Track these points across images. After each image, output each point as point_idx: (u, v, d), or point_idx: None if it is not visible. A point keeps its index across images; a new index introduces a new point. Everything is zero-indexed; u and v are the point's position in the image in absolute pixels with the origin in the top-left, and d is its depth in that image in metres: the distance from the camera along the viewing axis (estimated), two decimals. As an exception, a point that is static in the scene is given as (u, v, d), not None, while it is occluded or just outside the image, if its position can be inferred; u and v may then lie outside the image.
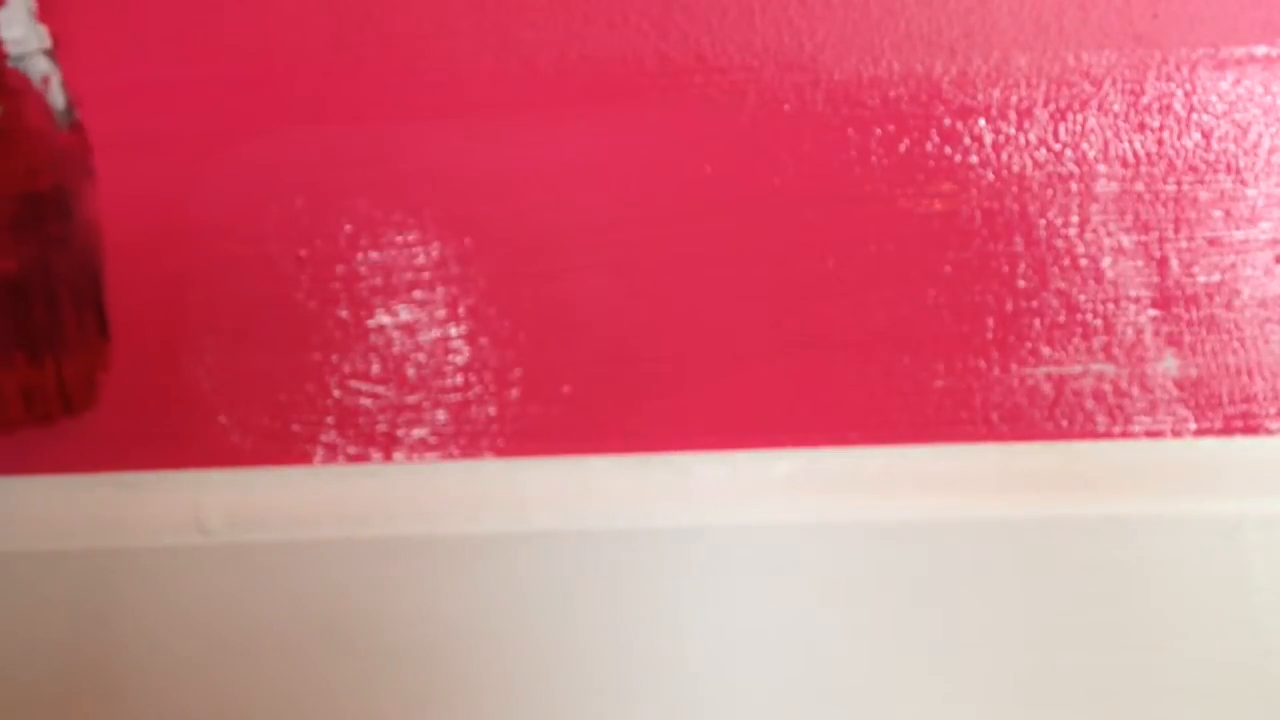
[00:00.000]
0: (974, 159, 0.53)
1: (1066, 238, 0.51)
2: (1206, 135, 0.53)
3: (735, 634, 0.44)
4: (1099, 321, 0.50)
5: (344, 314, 0.50)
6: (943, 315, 0.50)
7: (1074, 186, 0.52)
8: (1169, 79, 0.54)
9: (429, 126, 0.53)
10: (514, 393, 0.49)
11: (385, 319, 0.50)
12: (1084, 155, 0.52)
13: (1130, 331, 0.49)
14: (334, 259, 0.51)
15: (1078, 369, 0.49)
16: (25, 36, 0.43)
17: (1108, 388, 0.49)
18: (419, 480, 0.47)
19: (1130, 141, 0.53)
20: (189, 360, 0.50)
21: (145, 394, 0.50)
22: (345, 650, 0.44)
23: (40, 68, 0.43)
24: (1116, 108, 0.53)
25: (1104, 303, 0.50)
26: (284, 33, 0.52)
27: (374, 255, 0.51)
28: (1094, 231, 0.51)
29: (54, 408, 0.49)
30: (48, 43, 0.43)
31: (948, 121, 0.53)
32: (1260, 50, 0.54)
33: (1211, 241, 0.51)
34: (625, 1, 0.55)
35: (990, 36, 0.55)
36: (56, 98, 0.43)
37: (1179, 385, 0.49)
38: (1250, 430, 0.48)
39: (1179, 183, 0.52)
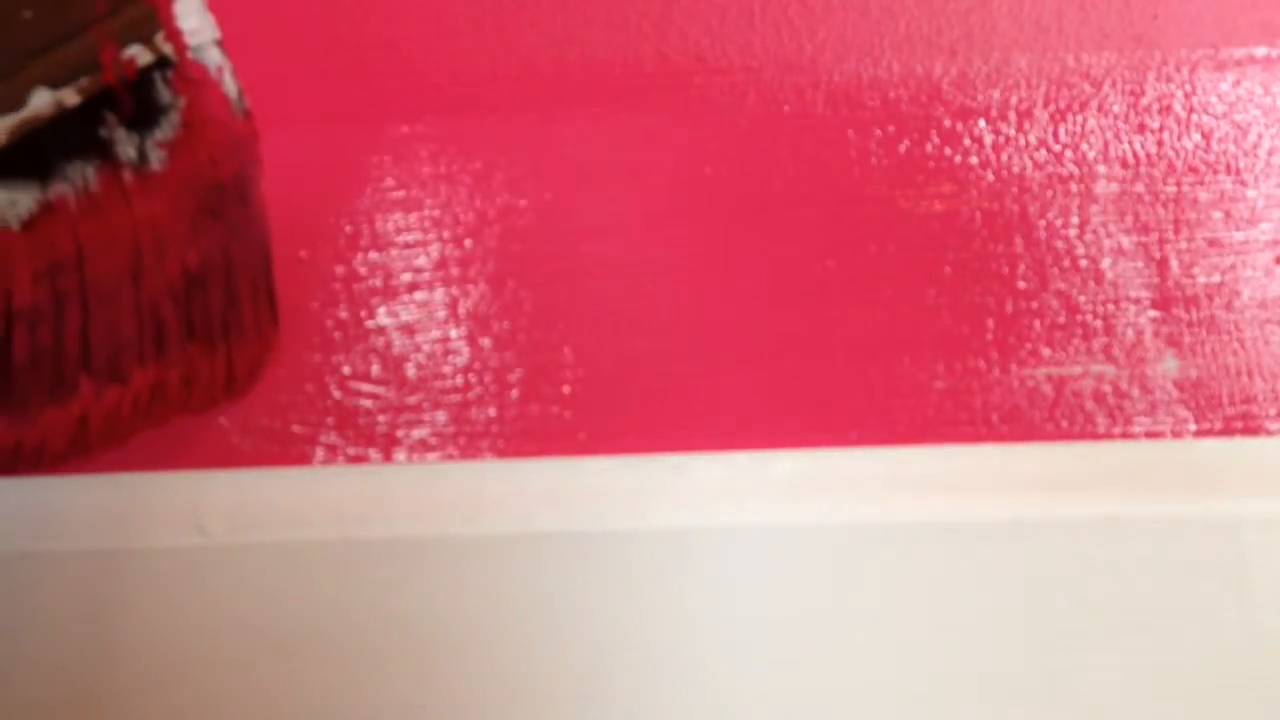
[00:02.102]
0: (974, 160, 0.53)
1: (1066, 239, 0.51)
2: (1206, 136, 0.53)
3: (735, 634, 0.44)
4: (1099, 322, 0.50)
5: (344, 314, 0.50)
6: (943, 316, 0.50)
7: (1074, 187, 0.52)
8: (1169, 80, 0.54)
9: (429, 127, 0.53)
10: (514, 393, 0.49)
11: (385, 319, 0.50)
12: (1084, 156, 0.53)
13: (1130, 332, 0.49)
14: (334, 259, 0.51)
15: (1078, 370, 0.49)
16: (200, 27, 0.43)
17: (1108, 389, 0.49)
18: (419, 480, 0.47)
19: (1130, 142, 0.53)
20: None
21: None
22: (345, 651, 0.44)
23: (214, 57, 0.43)
24: (1116, 109, 0.53)
25: (1104, 304, 0.50)
26: (283, 33, 0.52)
27: (374, 255, 0.51)
28: (1094, 232, 0.51)
29: (217, 394, 0.49)
30: (218, 33, 0.43)
31: (948, 122, 0.53)
32: (1260, 51, 0.54)
33: (1211, 242, 0.51)
34: (625, 2, 0.55)
35: (990, 38, 0.55)
36: (230, 86, 0.43)
37: (1179, 386, 0.49)
38: (1250, 431, 0.48)
39: (1179, 184, 0.52)
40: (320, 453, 0.48)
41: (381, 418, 0.49)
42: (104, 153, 0.43)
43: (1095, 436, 0.48)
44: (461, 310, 0.50)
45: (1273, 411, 0.48)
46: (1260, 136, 0.53)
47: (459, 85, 0.54)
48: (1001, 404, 0.48)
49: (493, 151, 0.53)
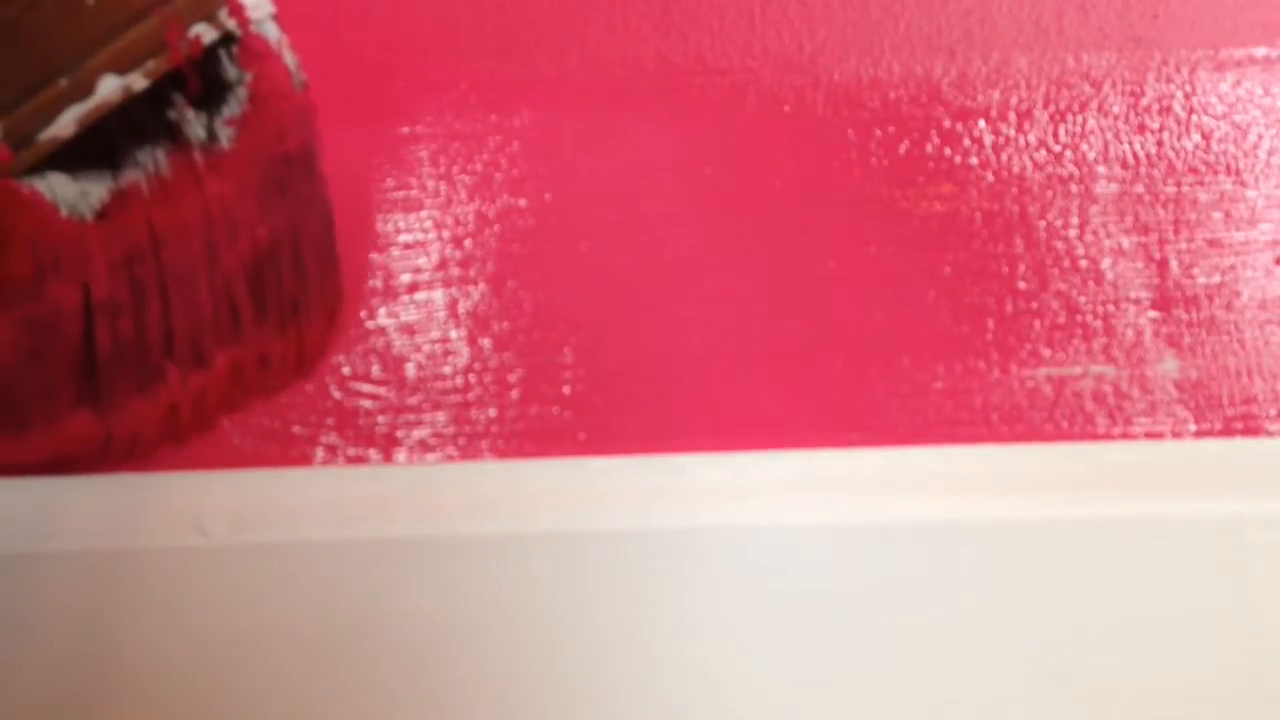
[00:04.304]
0: (974, 160, 0.53)
1: (1066, 239, 0.51)
2: (1206, 137, 0.53)
3: (735, 635, 0.44)
4: (1099, 323, 0.50)
5: (344, 314, 0.50)
6: (942, 316, 0.50)
7: (1074, 188, 0.52)
8: (1169, 80, 0.54)
9: (429, 127, 0.53)
10: (514, 393, 0.49)
11: (385, 319, 0.50)
12: (1084, 157, 0.53)
13: (1130, 333, 0.49)
14: (334, 259, 0.51)
15: (1078, 370, 0.49)
16: (260, 1, 0.43)
17: (1108, 389, 0.49)
18: (419, 481, 0.47)
19: (1130, 143, 0.53)
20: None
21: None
22: (345, 651, 0.44)
23: (273, 31, 0.43)
24: (1116, 109, 0.53)
25: (1104, 304, 0.50)
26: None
27: (374, 255, 0.51)
28: (1094, 233, 0.51)
29: (289, 374, 0.49)
30: (273, 7, 0.43)
31: (948, 123, 0.53)
32: (1260, 52, 0.54)
33: (1211, 243, 0.51)
34: (625, 3, 0.55)
35: (990, 38, 0.55)
36: (289, 59, 0.43)
37: (1179, 387, 0.49)
38: (1250, 431, 0.48)
39: (1179, 184, 0.52)
40: (320, 453, 0.48)
41: (381, 418, 0.49)
42: (173, 135, 0.43)
43: (1095, 436, 0.48)
44: (461, 310, 0.50)
45: (1273, 412, 0.48)
46: (1260, 137, 0.53)
47: (459, 85, 0.54)
48: (1001, 404, 0.48)
49: (493, 151, 0.53)
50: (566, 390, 0.49)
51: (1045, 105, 0.53)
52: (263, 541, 0.45)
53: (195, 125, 0.43)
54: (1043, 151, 0.53)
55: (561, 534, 0.45)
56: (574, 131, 0.53)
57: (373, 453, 0.48)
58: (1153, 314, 0.50)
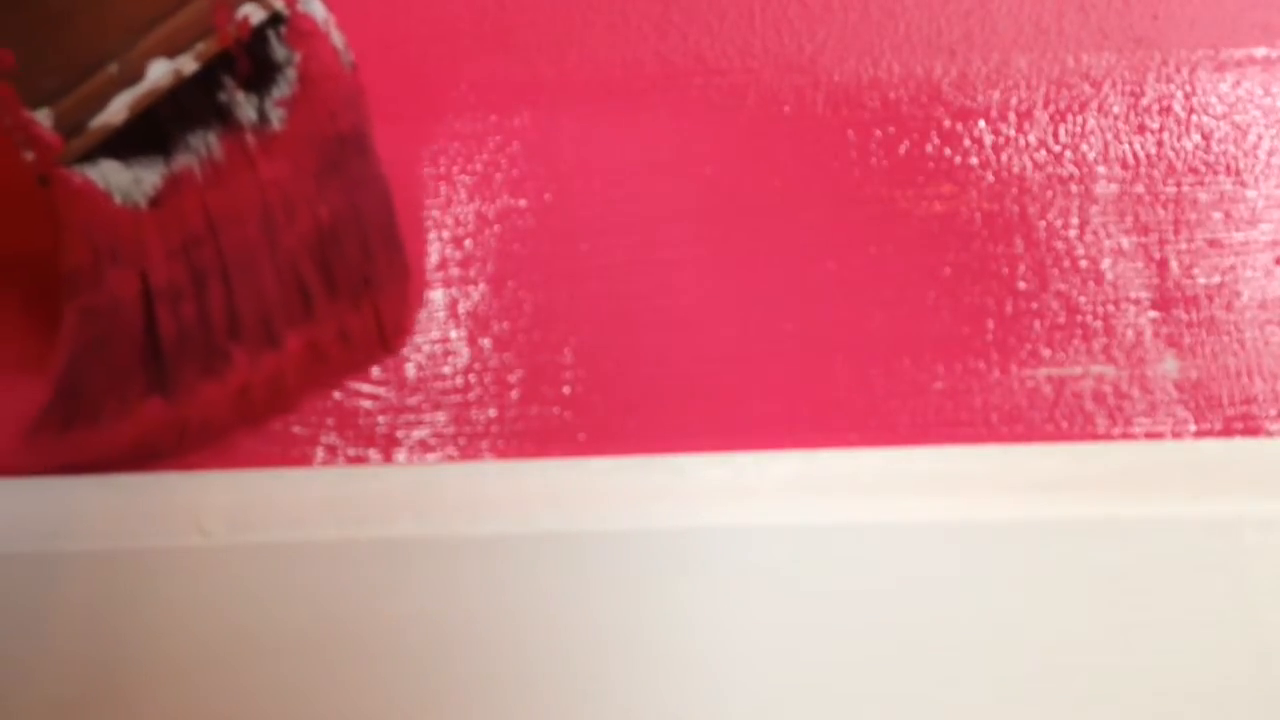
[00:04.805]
0: (974, 160, 0.53)
1: (1066, 239, 0.51)
2: (1206, 137, 0.53)
3: (735, 635, 0.44)
4: (1099, 323, 0.50)
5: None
6: (942, 317, 0.50)
7: (1074, 188, 0.52)
8: (1169, 81, 0.54)
9: (428, 127, 0.53)
10: (514, 393, 0.49)
11: (385, 319, 0.50)
12: (1084, 157, 0.53)
13: (1130, 333, 0.49)
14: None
15: (1078, 370, 0.49)
16: None
17: (1108, 389, 0.49)
18: (419, 481, 0.47)
19: (1130, 143, 0.53)
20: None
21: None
22: (344, 651, 0.44)
23: (320, 10, 0.43)
24: (1116, 109, 0.53)
25: (1104, 304, 0.50)
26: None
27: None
28: (1094, 233, 0.51)
29: (374, 349, 0.49)
30: None
31: (948, 123, 0.53)
32: (1260, 52, 0.54)
33: (1211, 243, 0.51)
34: (625, 3, 0.55)
35: (990, 38, 0.55)
36: (337, 38, 0.43)
37: (1179, 387, 0.49)
38: (1250, 432, 0.48)
39: (1179, 184, 0.52)
40: (320, 453, 0.48)
41: (381, 418, 0.49)
42: (224, 118, 0.43)
43: (1095, 437, 0.48)
44: (461, 310, 0.50)
45: (1273, 412, 0.48)
46: (1260, 137, 0.53)
47: (458, 85, 0.54)
48: (1001, 404, 0.48)
49: (493, 151, 0.53)
50: (566, 390, 0.49)
51: (1045, 105, 0.53)
52: (263, 541, 0.45)
53: (246, 107, 0.43)
54: (1043, 151, 0.53)
55: (561, 534, 0.45)
56: (574, 131, 0.53)
57: (373, 453, 0.48)
58: (1153, 314, 0.50)
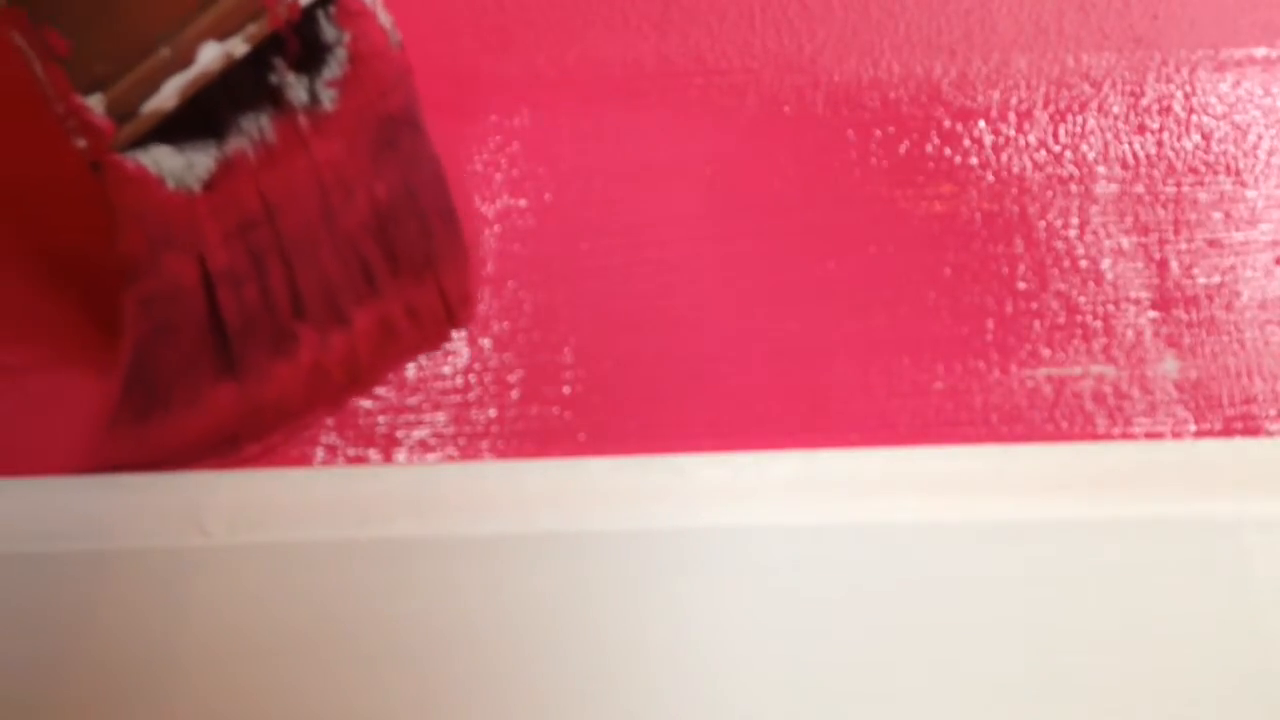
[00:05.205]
0: (974, 160, 0.53)
1: (1066, 239, 0.51)
2: (1206, 137, 0.53)
3: (734, 634, 0.44)
4: (1099, 323, 0.50)
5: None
6: (943, 317, 0.50)
7: (1074, 188, 0.52)
8: (1169, 81, 0.54)
9: (429, 128, 0.53)
10: (514, 393, 0.49)
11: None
12: (1084, 157, 0.53)
13: (1130, 333, 0.49)
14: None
15: (1078, 370, 0.49)
16: None
17: (1108, 389, 0.49)
18: (419, 481, 0.47)
19: (1130, 143, 0.53)
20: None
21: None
22: (345, 651, 0.44)
23: None
24: (1116, 109, 0.53)
25: (1104, 304, 0.50)
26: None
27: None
28: (1094, 233, 0.51)
29: (441, 324, 0.49)
30: None
31: (948, 123, 0.53)
32: (1260, 52, 0.54)
33: (1211, 243, 0.51)
34: (625, 3, 0.55)
35: (990, 38, 0.55)
36: (384, 17, 0.43)
37: (1179, 387, 0.49)
38: (1250, 432, 0.48)
39: (1179, 184, 0.52)
40: (320, 453, 0.48)
41: (381, 418, 0.49)
42: (276, 100, 0.43)
43: (1095, 436, 0.48)
44: (461, 310, 0.50)
45: (1273, 412, 0.48)
46: (1260, 137, 0.53)
47: (458, 85, 0.54)
48: (1001, 404, 0.48)
49: (493, 151, 0.53)
50: (566, 390, 0.49)
51: (1045, 105, 0.53)
52: (263, 541, 0.45)
53: (297, 88, 0.43)
54: (1043, 151, 0.53)
55: (561, 534, 0.45)
56: (574, 131, 0.53)
57: (373, 453, 0.48)
58: (1153, 314, 0.50)
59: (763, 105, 0.53)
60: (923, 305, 0.50)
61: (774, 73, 0.54)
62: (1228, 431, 0.48)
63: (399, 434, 0.49)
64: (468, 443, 0.48)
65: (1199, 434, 0.48)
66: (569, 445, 0.48)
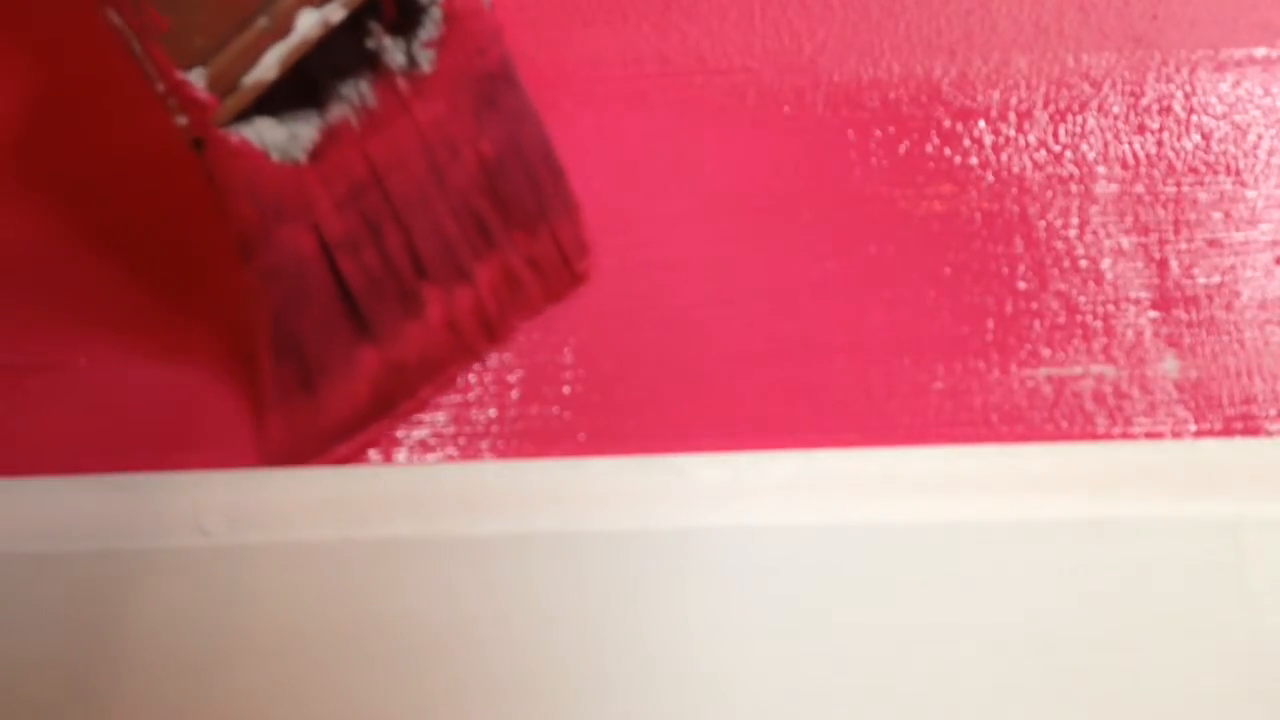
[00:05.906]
0: (974, 160, 0.53)
1: (1066, 239, 0.51)
2: (1206, 137, 0.53)
3: (735, 635, 0.44)
4: (1099, 323, 0.50)
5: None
6: (942, 317, 0.50)
7: (1074, 188, 0.52)
8: (1169, 81, 0.54)
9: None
10: (514, 393, 0.49)
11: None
12: (1084, 157, 0.53)
13: (1130, 333, 0.49)
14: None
15: (1078, 370, 0.49)
16: None
17: (1108, 389, 0.49)
18: (419, 481, 0.47)
19: (1130, 143, 0.53)
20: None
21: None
22: (345, 651, 0.44)
23: None
24: (1116, 109, 0.53)
25: (1104, 304, 0.50)
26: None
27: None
28: (1094, 233, 0.51)
29: (561, 274, 0.50)
30: None
31: (948, 123, 0.53)
32: (1260, 52, 0.54)
33: (1211, 243, 0.51)
34: (625, 3, 0.55)
35: (990, 38, 0.55)
36: None
37: (1179, 387, 0.49)
38: (1250, 431, 0.48)
39: (1179, 184, 0.52)
40: (320, 453, 0.48)
41: (381, 418, 0.49)
42: (374, 65, 0.43)
43: (1095, 436, 0.48)
44: (461, 310, 0.50)
45: (1273, 411, 0.48)
46: (1260, 137, 0.53)
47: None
48: (1001, 404, 0.48)
49: (493, 152, 0.53)
50: (566, 390, 0.49)
51: (1045, 105, 0.53)
52: (263, 541, 0.45)
53: (395, 52, 0.43)
54: (1043, 151, 0.53)
55: (561, 534, 0.45)
56: (574, 131, 0.53)
57: (373, 453, 0.48)
58: (1153, 314, 0.50)
59: (763, 105, 0.53)
60: (922, 305, 0.50)
61: (774, 73, 0.54)
62: (1228, 431, 0.48)
63: (399, 434, 0.49)
64: (467, 443, 0.48)
65: (1199, 434, 0.48)
66: (569, 445, 0.48)
